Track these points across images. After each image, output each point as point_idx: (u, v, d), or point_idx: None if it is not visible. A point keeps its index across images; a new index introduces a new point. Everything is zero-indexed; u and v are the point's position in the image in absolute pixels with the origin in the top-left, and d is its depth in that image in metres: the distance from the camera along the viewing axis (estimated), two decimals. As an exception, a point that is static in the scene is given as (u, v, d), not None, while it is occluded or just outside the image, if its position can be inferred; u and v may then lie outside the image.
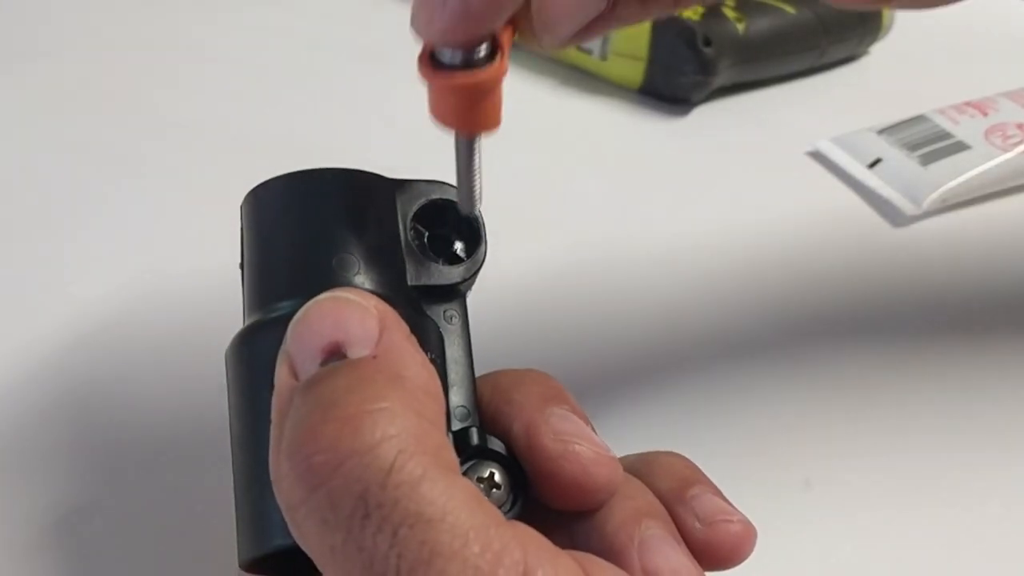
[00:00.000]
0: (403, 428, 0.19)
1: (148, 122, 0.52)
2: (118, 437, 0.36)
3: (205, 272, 0.37)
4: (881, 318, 0.43)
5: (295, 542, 0.20)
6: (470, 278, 0.25)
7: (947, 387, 0.41)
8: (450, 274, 0.25)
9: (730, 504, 0.26)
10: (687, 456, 0.28)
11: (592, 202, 0.49)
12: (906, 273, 0.46)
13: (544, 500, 0.24)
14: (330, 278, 0.23)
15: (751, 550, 0.25)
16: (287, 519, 0.20)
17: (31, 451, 0.35)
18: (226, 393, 0.24)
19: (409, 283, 0.24)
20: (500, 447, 0.24)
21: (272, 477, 0.20)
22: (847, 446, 0.38)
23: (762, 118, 0.56)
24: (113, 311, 0.41)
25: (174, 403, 0.37)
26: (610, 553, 0.23)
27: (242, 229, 0.26)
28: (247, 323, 0.24)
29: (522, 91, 0.56)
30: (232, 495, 0.24)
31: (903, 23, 0.63)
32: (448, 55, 0.22)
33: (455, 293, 0.25)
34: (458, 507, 0.18)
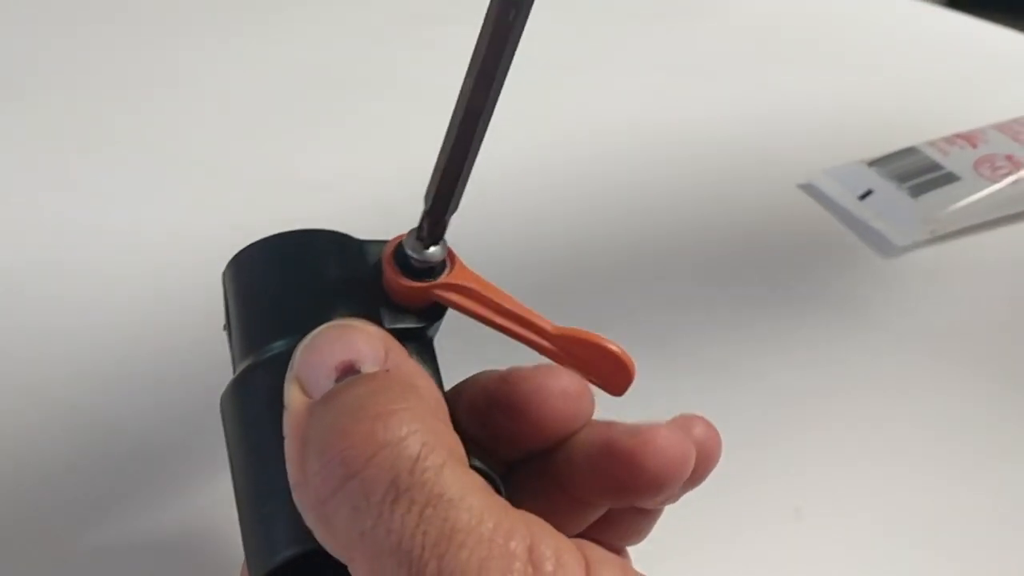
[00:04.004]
0: (423, 425, 0.21)
1: (151, 155, 0.53)
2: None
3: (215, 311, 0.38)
4: (871, 347, 0.44)
5: (303, 549, 0.22)
6: (436, 320, 0.27)
7: (938, 416, 0.41)
8: (419, 318, 0.26)
9: None
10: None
11: (581, 220, 0.50)
12: (896, 303, 0.47)
13: (537, 432, 0.26)
14: (316, 319, 0.24)
15: (719, 449, 0.27)
16: (314, 517, 0.22)
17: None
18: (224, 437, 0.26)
19: (384, 327, 0.26)
20: (480, 464, 0.25)
21: (294, 482, 0.22)
22: (838, 475, 0.39)
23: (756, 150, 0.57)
24: (120, 338, 0.42)
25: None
26: (593, 448, 0.26)
27: (225, 294, 0.27)
28: (240, 368, 0.25)
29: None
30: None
31: (895, 55, 0.64)
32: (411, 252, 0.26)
33: (424, 334, 0.27)
34: (473, 492, 0.21)
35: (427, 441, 0.21)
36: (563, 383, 0.26)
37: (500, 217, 0.49)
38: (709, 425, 0.27)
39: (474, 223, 0.45)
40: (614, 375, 0.27)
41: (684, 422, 0.27)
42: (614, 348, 0.26)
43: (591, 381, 0.27)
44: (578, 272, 0.47)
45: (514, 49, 0.23)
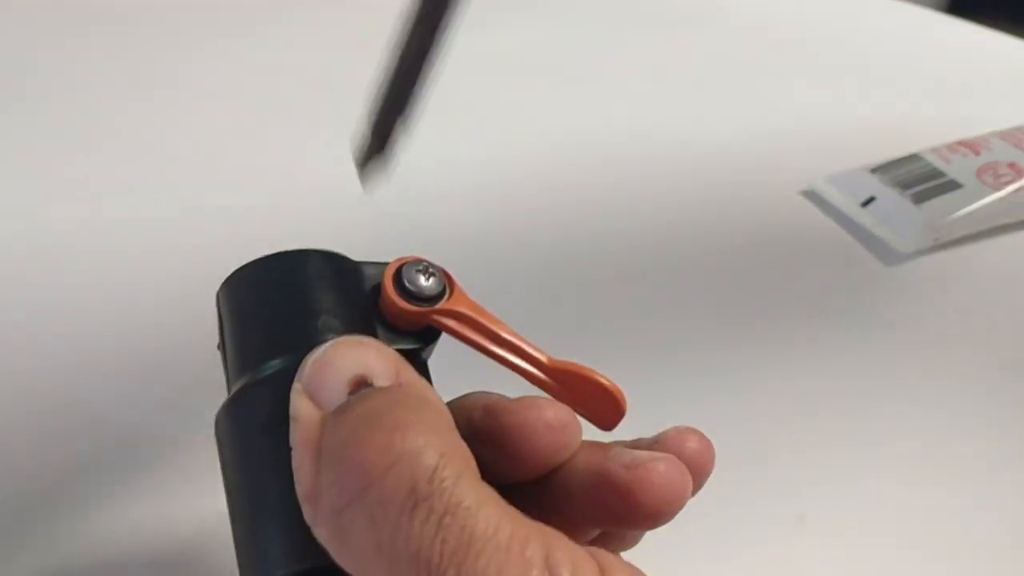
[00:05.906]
0: (439, 437, 0.22)
1: (148, 159, 0.53)
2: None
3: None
4: (874, 354, 0.44)
5: (301, 567, 0.22)
6: (431, 343, 0.27)
7: (941, 424, 0.41)
8: (415, 340, 0.27)
9: None
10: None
11: (586, 228, 0.49)
12: (898, 310, 0.47)
13: (522, 465, 0.26)
14: (316, 338, 0.25)
15: (713, 461, 0.27)
16: (328, 529, 0.22)
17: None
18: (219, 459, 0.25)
19: None
20: None
21: (305, 494, 0.22)
22: (842, 483, 0.38)
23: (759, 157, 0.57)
24: (124, 345, 0.42)
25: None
26: (588, 478, 0.26)
27: (219, 315, 0.27)
28: (237, 387, 0.25)
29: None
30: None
31: (898, 62, 0.64)
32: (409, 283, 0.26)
33: (419, 356, 0.27)
34: (489, 501, 0.21)
35: (444, 452, 0.21)
36: (547, 416, 0.26)
37: (503, 222, 0.49)
38: (702, 438, 0.27)
39: (482, 227, 0.45)
40: (606, 410, 0.27)
41: (678, 436, 0.27)
42: (607, 383, 0.26)
43: (581, 415, 0.27)
44: (581, 279, 0.47)
45: None
